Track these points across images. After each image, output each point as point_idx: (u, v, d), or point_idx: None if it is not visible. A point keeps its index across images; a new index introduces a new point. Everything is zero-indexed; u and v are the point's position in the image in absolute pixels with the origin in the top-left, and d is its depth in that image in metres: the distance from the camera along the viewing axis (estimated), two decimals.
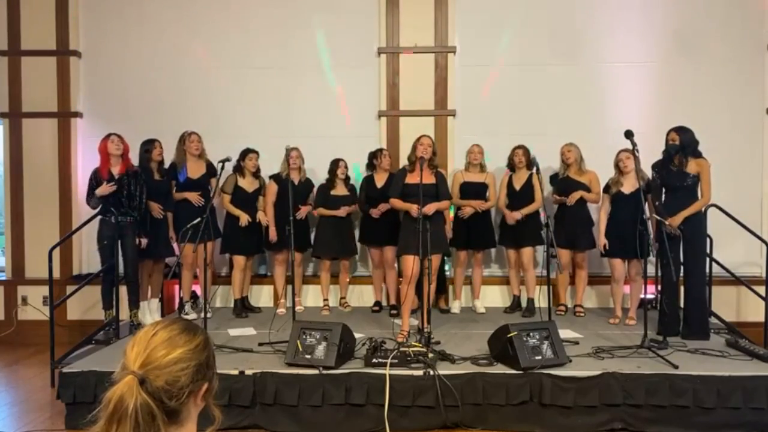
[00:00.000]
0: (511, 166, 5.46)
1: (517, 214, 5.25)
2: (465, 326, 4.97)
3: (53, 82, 5.96)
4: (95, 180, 4.83)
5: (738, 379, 3.65)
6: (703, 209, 4.74)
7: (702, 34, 5.81)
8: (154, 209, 5.09)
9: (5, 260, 6.10)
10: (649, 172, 4.86)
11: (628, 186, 4.95)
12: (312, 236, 5.61)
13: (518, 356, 3.69)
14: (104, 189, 4.75)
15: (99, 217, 4.89)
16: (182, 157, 5.32)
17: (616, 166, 5.03)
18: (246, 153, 5.37)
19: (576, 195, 5.18)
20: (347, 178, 5.53)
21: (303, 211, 5.40)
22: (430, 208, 4.39)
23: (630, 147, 4.37)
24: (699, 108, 5.64)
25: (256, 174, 5.46)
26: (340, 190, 5.48)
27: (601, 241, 5.07)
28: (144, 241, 4.99)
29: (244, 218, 5.27)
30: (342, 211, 5.39)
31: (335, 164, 5.47)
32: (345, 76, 5.96)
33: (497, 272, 5.96)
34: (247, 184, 5.39)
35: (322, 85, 5.96)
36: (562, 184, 5.32)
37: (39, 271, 5.64)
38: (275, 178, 5.46)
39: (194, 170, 5.32)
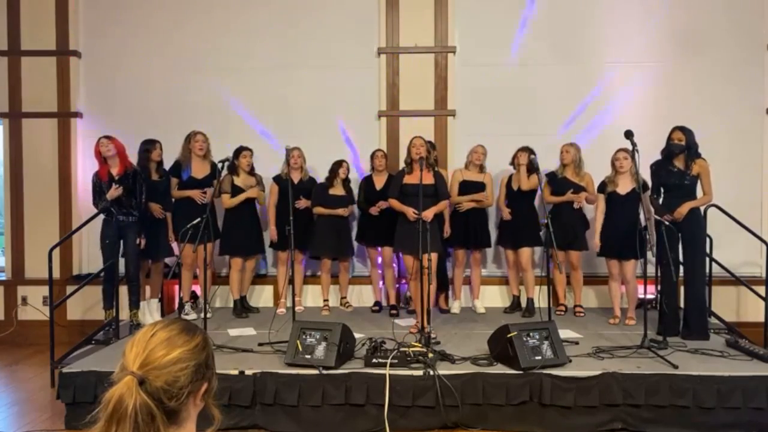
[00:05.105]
0: (514, 165, 5.45)
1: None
2: (465, 326, 4.97)
3: (53, 82, 5.96)
4: (97, 183, 4.85)
5: (738, 379, 3.65)
6: (702, 209, 4.74)
7: (702, 34, 5.81)
8: (155, 210, 5.09)
9: (5, 260, 6.10)
10: (647, 173, 4.83)
11: (624, 186, 4.93)
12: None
13: (518, 356, 3.69)
14: (113, 193, 4.75)
15: (102, 216, 4.88)
16: (187, 156, 5.31)
17: (613, 164, 5.00)
18: (240, 151, 5.36)
19: (582, 196, 5.19)
20: (347, 180, 5.54)
21: (301, 203, 5.39)
22: (429, 215, 4.41)
23: (629, 147, 4.35)
24: (699, 108, 5.64)
25: (251, 172, 5.45)
26: (338, 190, 5.48)
27: (595, 241, 5.07)
28: (143, 242, 4.99)
29: (254, 192, 5.31)
30: (340, 211, 5.39)
31: (338, 165, 5.47)
32: (345, 76, 5.96)
33: (496, 272, 5.95)
34: (242, 182, 5.37)
35: (322, 85, 5.96)
36: (558, 184, 5.30)
37: (39, 271, 5.65)
38: (276, 179, 5.46)
39: (198, 170, 5.31)
